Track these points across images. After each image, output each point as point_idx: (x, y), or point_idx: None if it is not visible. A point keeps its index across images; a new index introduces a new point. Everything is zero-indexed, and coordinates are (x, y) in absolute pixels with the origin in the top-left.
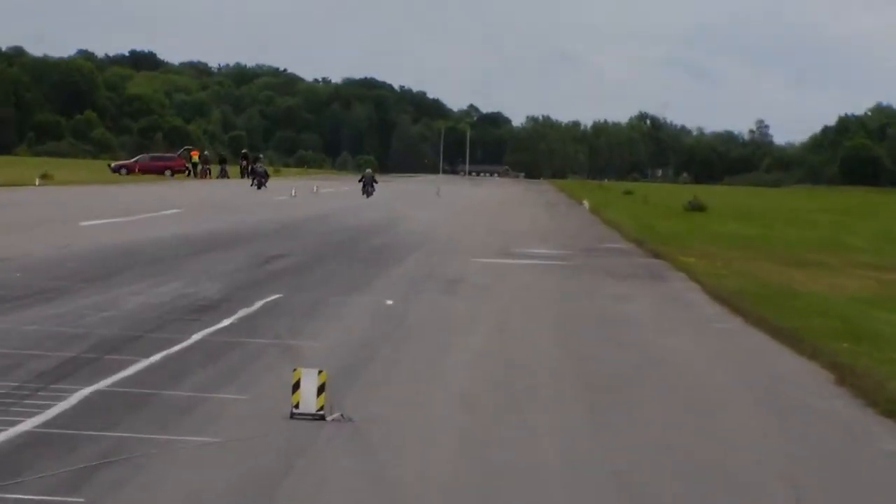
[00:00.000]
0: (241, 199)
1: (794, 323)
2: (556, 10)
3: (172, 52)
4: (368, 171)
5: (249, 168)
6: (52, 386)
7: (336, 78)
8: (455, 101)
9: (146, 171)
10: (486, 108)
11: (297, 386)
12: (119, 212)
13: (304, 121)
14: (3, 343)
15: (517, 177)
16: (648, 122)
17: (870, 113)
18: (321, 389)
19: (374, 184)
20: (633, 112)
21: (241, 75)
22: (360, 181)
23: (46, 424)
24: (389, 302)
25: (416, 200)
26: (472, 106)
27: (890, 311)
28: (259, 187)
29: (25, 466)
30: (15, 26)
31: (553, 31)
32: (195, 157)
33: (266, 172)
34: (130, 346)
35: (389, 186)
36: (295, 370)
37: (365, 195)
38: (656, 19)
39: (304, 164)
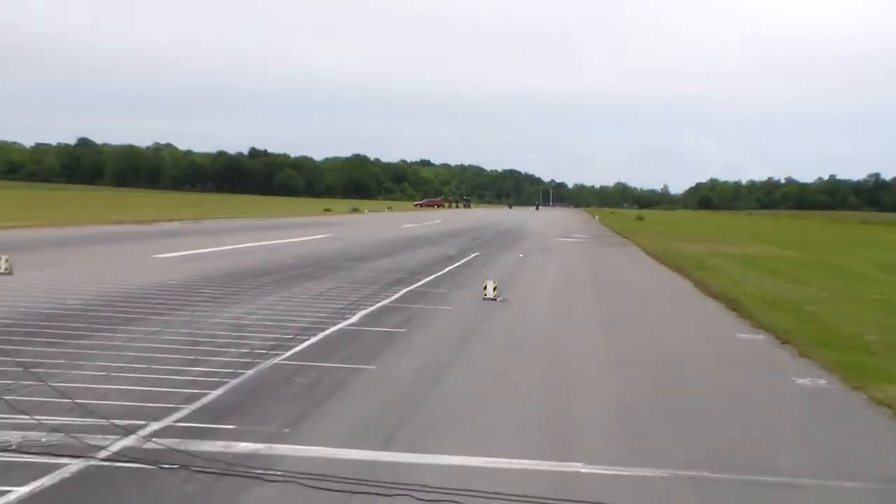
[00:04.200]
0: (463, 214)
1: None
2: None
3: None
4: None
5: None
6: (392, 287)
7: None
8: None
9: (426, 206)
10: None
11: (485, 287)
12: (416, 220)
13: None
14: (369, 275)
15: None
16: None
17: None
18: (495, 288)
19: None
20: None
21: None
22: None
23: (393, 301)
24: (521, 255)
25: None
26: None
27: None
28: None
29: (384, 319)
30: None
31: None
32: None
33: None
34: (419, 273)
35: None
36: (485, 281)
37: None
38: None
39: None
